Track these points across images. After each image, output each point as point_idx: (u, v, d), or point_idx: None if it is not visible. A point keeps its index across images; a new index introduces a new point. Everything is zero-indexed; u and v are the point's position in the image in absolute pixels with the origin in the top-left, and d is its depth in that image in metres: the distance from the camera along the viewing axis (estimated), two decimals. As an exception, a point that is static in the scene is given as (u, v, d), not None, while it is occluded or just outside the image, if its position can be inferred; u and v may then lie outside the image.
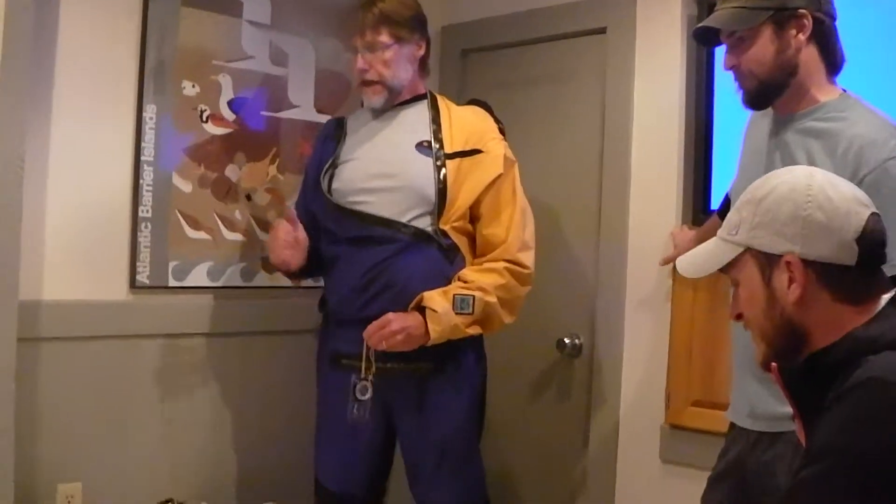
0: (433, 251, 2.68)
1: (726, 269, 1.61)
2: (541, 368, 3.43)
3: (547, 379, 3.42)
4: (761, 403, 2.14)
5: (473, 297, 2.63)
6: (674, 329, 3.00)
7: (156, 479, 2.97)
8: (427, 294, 2.61)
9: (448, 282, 2.67)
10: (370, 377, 2.65)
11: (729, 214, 1.63)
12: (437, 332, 2.61)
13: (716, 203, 2.88)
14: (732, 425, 2.32)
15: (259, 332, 3.24)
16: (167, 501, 2.82)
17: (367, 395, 2.66)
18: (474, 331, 2.70)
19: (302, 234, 2.79)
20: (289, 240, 2.77)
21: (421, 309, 2.62)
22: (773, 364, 1.58)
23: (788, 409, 1.64)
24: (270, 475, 3.21)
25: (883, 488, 1.28)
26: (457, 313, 2.62)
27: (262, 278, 3.24)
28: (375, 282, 2.68)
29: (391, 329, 2.60)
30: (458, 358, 2.76)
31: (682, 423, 2.98)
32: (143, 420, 2.98)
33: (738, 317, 1.63)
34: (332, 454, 2.85)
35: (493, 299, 2.66)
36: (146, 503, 2.83)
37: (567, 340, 3.29)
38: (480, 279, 2.67)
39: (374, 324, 2.61)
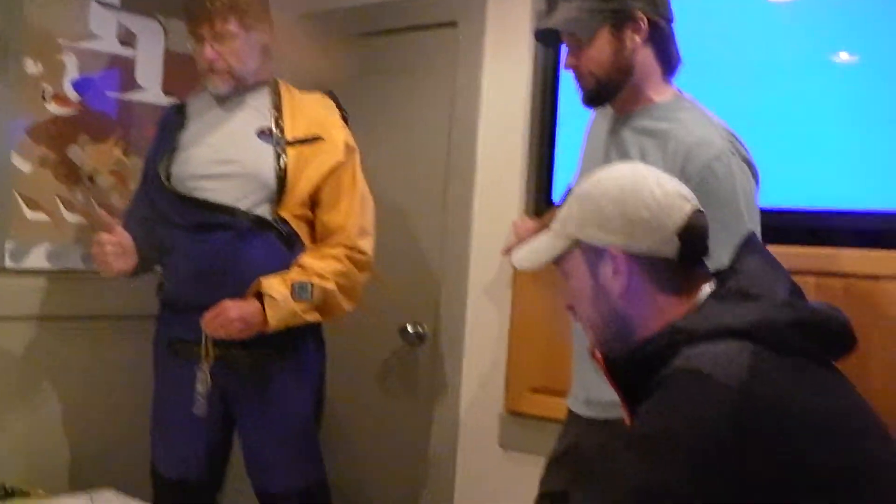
0: (273, 238, 2.68)
1: (558, 261, 1.65)
2: (384, 357, 3.46)
3: (390, 367, 3.45)
4: (595, 390, 2.20)
5: (311, 283, 2.64)
6: (514, 317, 3.06)
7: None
8: (265, 280, 2.61)
9: (287, 268, 2.67)
10: (209, 366, 2.64)
11: (561, 208, 1.67)
12: (275, 319, 2.61)
13: (558, 196, 2.96)
14: (570, 411, 2.38)
15: (98, 316, 3.19)
16: (-2, 487, 2.75)
17: (207, 387, 2.66)
18: (313, 318, 2.71)
19: (125, 237, 2.74)
20: (116, 251, 2.71)
21: (259, 295, 2.61)
22: (597, 353, 1.64)
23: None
24: (107, 462, 3.16)
25: (698, 467, 1.33)
26: (295, 300, 2.62)
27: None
28: (214, 268, 2.66)
29: (228, 316, 2.58)
30: (297, 345, 2.76)
31: (521, 409, 3.04)
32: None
33: (570, 308, 1.68)
34: (169, 441, 2.83)
35: (331, 286, 2.67)
36: (-24, 489, 2.77)
37: (410, 328, 3.33)
38: (318, 265, 2.67)
39: (212, 311, 2.59)
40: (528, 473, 2.92)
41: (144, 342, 2.98)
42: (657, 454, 1.37)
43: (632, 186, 1.56)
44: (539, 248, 1.68)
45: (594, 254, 1.58)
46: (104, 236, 2.70)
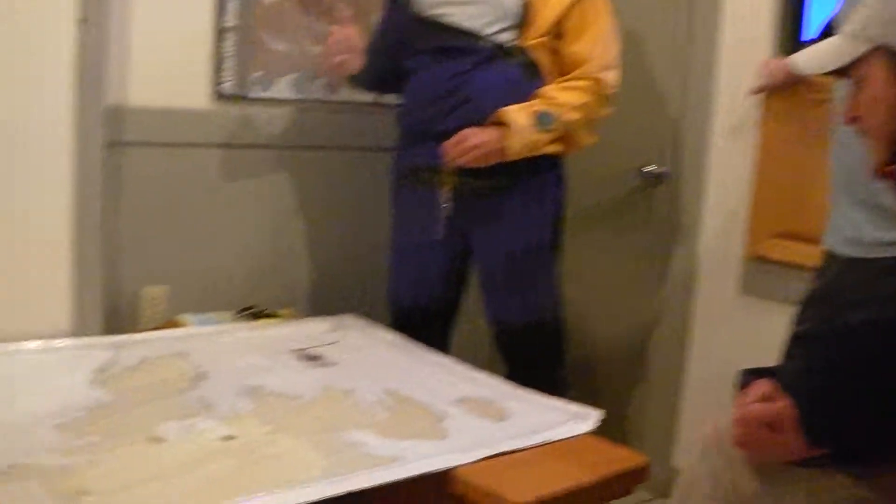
0: (513, 67, 2.63)
1: (851, 66, 1.51)
2: (621, 196, 3.38)
3: (628, 206, 3.38)
4: (861, 229, 2.07)
5: (554, 113, 2.58)
6: (761, 159, 2.92)
7: (238, 287, 3.05)
8: (507, 109, 2.57)
9: (526, 99, 2.61)
10: (447, 193, 2.66)
11: (856, 8, 1.52)
12: (515, 148, 2.58)
13: (811, 33, 2.77)
14: (827, 253, 2.26)
15: (340, 146, 3.25)
16: (248, 308, 2.89)
17: (446, 211, 2.68)
18: (553, 149, 2.66)
19: (356, 37, 2.77)
20: (341, 47, 2.76)
21: (500, 124, 2.58)
22: (889, 167, 1.51)
23: (890, 236, 1.59)
24: (346, 288, 3.28)
25: None
26: (537, 130, 2.58)
27: (346, 93, 3.22)
28: (453, 95, 2.64)
29: (470, 143, 2.58)
30: (538, 176, 2.73)
31: (764, 254, 2.92)
32: (226, 229, 3.04)
33: (853, 120, 1.55)
34: (408, 269, 2.89)
35: (574, 117, 2.61)
36: (228, 309, 2.91)
37: (649, 168, 3.23)
38: (562, 96, 2.61)
39: (453, 139, 2.59)
40: (768, 321, 2.84)
41: (381, 174, 3.03)
42: None
43: None
44: (829, 51, 1.54)
45: None
46: (337, 30, 2.77)
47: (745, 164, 2.97)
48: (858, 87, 1.51)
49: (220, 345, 2.54)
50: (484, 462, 1.89)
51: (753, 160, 2.94)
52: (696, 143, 3.10)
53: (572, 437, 2.08)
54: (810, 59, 1.58)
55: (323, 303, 3.20)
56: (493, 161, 2.61)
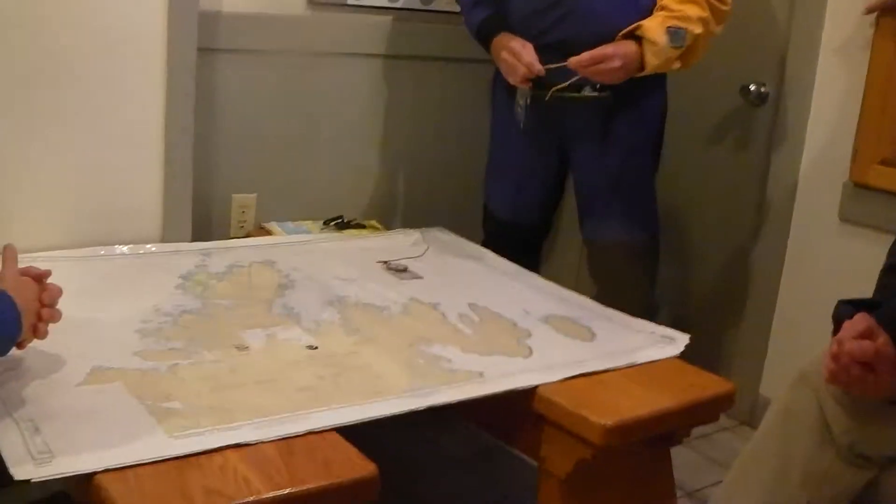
0: None
1: None
2: (722, 115, 3.27)
3: (727, 126, 3.27)
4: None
5: (684, 28, 2.48)
6: (870, 81, 2.79)
7: (326, 196, 3.05)
8: (645, 25, 2.47)
9: (637, 11, 2.52)
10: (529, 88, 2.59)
11: None
12: (653, 66, 2.49)
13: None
14: None
15: (435, 57, 3.19)
16: (337, 218, 2.89)
17: (527, 100, 2.62)
18: (677, 66, 2.57)
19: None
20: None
21: (634, 37, 2.49)
22: None
23: None
24: (439, 201, 3.25)
25: None
26: (671, 46, 2.48)
27: (442, 2, 3.16)
28: (559, 5, 2.55)
29: (613, 66, 2.47)
30: (640, 91, 2.63)
31: (867, 181, 2.82)
32: (317, 138, 3.03)
33: None
34: (504, 183, 2.84)
35: (700, 30, 2.51)
36: (316, 218, 2.91)
37: (752, 87, 3.11)
38: (685, 10, 2.49)
39: (587, 56, 2.47)
40: (867, 249, 2.76)
41: (482, 86, 2.99)
42: None
43: None
44: None
45: None
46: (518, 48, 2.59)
47: (852, 86, 2.85)
48: None
49: (307, 254, 2.56)
50: (567, 382, 1.88)
51: (862, 83, 2.82)
52: (803, 63, 2.98)
53: (659, 360, 2.05)
54: None
55: (413, 216, 3.19)
56: (630, 76, 2.52)
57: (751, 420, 3.16)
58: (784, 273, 3.12)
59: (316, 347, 1.92)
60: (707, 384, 1.98)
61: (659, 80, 2.68)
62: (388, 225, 3.03)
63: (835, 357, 1.56)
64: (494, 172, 2.89)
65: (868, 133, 2.81)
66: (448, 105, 3.25)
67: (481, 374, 1.86)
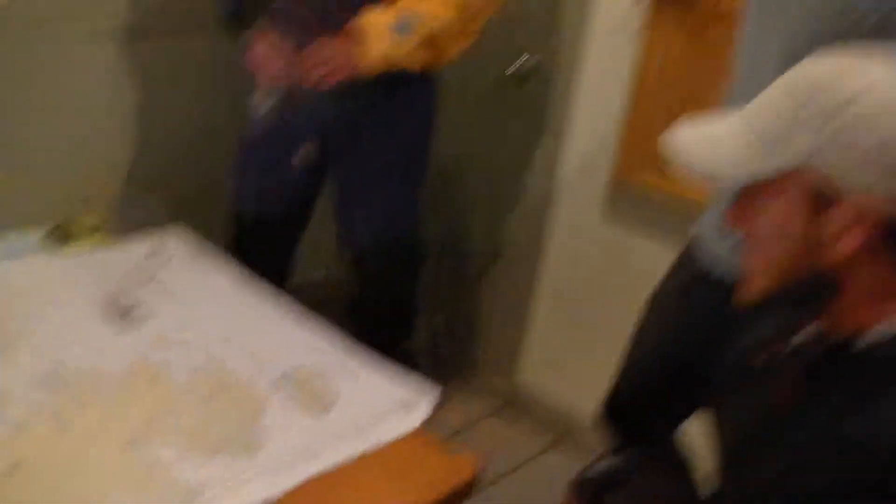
0: None
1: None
2: (484, 90, 3.12)
3: (491, 103, 3.13)
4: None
5: (414, 22, 2.31)
6: (640, 71, 2.70)
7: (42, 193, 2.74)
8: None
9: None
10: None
11: (773, 107, 1.18)
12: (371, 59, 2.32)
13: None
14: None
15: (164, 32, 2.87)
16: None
17: (270, 104, 2.40)
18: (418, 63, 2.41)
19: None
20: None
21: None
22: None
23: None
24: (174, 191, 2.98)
25: None
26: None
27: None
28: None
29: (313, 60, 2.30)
30: (402, 92, 2.49)
31: (629, 178, 2.77)
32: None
33: (737, 222, 1.25)
34: (254, 176, 2.65)
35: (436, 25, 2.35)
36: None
37: (519, 61, 2.96)
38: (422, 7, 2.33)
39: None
40: (630, 246, 2.73)
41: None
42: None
43: None
44: (733, 157, 1.20)
45: (826, 190, 1.15)
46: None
47: (622, 72, 2.74)
48: (764, 197, 1.21)
49: (17, 290, 2.23)
50: (301, 489, 1.74)
51: (631, 71, 2.71)
52: (572, 41, 2.84)
53: (399, 436, 1.93)
54: (707, 157, 1.22)
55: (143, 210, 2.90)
56: (347, 74, 2.33)
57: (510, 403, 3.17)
58: (545, 262, 3.06)
59: (18, 466, 1.67)
60: (450, 470, 1.87)
61: (422, 77, 2.50)
62: (116, 226, 2.70)
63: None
64: (244, 162, 2.67)
65: (634, 131, 2.73)
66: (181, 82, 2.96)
67: (203, 488, 1.69)
